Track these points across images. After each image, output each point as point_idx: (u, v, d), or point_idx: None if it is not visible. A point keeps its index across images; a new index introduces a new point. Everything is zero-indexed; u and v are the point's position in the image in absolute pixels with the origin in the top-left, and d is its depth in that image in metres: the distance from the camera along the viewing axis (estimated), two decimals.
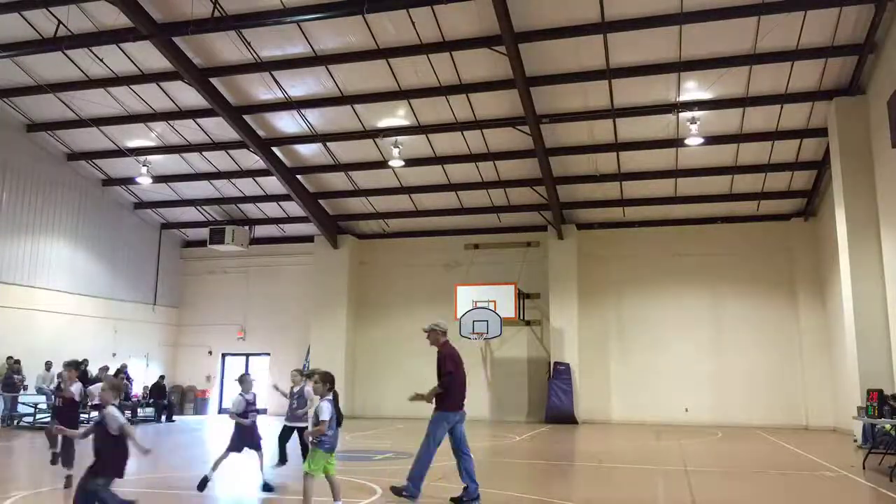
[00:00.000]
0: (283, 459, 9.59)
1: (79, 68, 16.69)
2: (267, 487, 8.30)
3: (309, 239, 23.65)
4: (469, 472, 7.59)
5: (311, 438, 6.60)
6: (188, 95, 17.44)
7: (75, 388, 8.62)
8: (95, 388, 18.27)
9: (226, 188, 21.93)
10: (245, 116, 18.22)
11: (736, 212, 20.72)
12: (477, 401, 20.42)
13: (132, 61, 16.41)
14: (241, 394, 8.90)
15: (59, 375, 18.54)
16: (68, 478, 8.12)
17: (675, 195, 20.20)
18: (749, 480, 9.74)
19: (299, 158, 20.31)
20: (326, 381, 6.71)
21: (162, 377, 21.71)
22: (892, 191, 13.41)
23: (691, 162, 18.76)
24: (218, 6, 14.35)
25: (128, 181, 21.78)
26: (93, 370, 19.74)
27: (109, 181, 21.99)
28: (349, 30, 15.00)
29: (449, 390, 7.71)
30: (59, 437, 8.57)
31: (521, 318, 21.18)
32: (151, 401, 20.63)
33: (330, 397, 6.68)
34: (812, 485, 9.46)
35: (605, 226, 21.88)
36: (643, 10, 13.79)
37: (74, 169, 21.04)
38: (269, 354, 24.22)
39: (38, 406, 17.72)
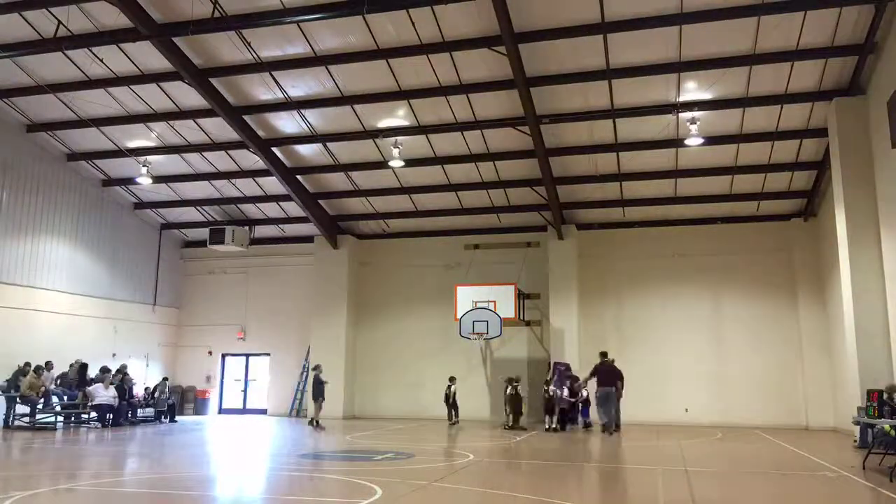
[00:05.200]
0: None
1: (79, 68, 16.68)
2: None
3: (309, 239, 23.64)
4: None
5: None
6: (188, 95, 17.44)
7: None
8: (95, 389, 18.40)
9: (226, 188, 21.93)
10: (245, 116, 18.21)
11: (736, 212, 20.71)
12: (477, 401, 20.47)
13: (132, 61, 16.41)
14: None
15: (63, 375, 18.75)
16: None
17: (675, 195, 20.19)
18: (749, 481, 9.73)
19: (299, 158, 20.30)
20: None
21: (165, 379, 21.71)
22: (892, 191, 13.41)
23: (691, 162, 18.76)
24: (218, 6, 14.35)
25: (128, 181, 21.77)
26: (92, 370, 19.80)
27: (109, 181, 21.98)
28: (349, 30, 15.00)
29: None
30: None
31: (521, 318, 21.15)
32: (153, 401, 20.63)
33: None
34: (812, 485, 9.45)
35: (605, 226, 21.87)
36: (643, 10, 13.78)
37: (74, 169, 21.03)
38: (269, 355, 24.24)
39: (38, 406, 17.66)
